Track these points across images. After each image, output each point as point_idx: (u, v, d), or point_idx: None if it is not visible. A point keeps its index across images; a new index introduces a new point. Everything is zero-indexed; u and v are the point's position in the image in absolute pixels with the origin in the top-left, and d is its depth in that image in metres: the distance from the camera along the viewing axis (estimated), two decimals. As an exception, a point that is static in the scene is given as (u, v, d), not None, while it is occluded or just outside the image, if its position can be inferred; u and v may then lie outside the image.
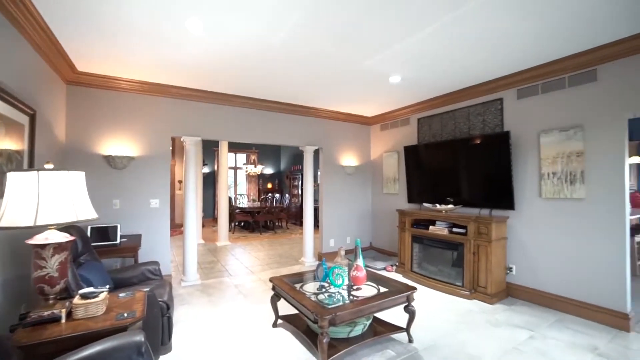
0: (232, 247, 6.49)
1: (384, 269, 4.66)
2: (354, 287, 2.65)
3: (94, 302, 1.60)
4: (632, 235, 4.48)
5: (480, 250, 3.51)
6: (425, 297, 3.64)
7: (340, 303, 2.33)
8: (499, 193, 3.63)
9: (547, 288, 3.34)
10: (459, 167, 4.06)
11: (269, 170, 11.70)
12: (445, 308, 3.33)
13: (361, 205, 5.80)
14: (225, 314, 3.17)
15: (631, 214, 5.01)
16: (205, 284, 4.10)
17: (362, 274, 2.60)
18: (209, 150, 10.23)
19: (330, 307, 2.23)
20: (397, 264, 4.62)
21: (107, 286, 1.85)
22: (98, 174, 3.58)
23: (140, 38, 2.65)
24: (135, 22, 2.40)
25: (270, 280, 2.85)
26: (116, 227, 3.28)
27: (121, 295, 1.87)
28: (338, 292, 2.59)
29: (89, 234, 3.15)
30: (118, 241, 3.24)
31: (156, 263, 2.93)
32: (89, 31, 2.53)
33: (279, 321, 2.90)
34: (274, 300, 2.83)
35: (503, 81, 3.62)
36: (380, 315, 2.85)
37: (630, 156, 5.49)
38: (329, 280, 2.66)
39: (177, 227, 8.50)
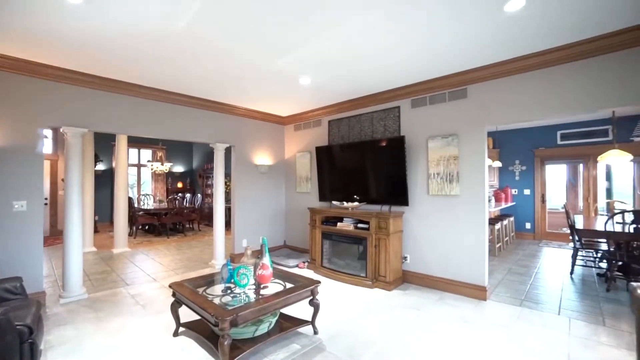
0: (132, 254, 5.78)
1: (297, 266, 4.77)
2: (261, 286, 2.65)
3: None
4: (494, 224, 5.55)
5: (381, 243, 3.89)
6: (334, 290, 3.85)
7: (245, 303, 2.29)
8: (396, 191, 4.07)
9: (433, 272, 3.89)
10: (364, 167, 4.42)
11: (179, 168, 10.77)
12: (350, 298, 3.59)
13: (275, 205, 5.81)
14: (118, 329, 2.80)
15: (495, 207, 6.20)
16: (93, 298, 3.55)
17: (268, 272, 2.61)
18: (106, 144, 8.91)
19: (231, 307, 2.18)
20: (309, 260, 4.77)
21: None
22: None
23: (-7, 2, 2.15)
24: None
25: (170, 286, 2.63)
26: (-42, 237, 2.59)
27: (-46, 322, 1.48)
28: (244, 292, 2.55)
29: None
30: (-40, 255, 2.56)
31: (18, 279, 2.41)
32: None
33: (181, 329, 2.70)
34: (175, 307, 2.62)
35: (400, 91, 4.08)
36: (289, 311, 2.91)
37: (493, 161, 6.81)
38: (234, 281, 2.59)
39: (61, 234, 7.16)
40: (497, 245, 5.65)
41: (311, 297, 2.68)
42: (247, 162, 5.32)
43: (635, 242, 3.61)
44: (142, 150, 9.95)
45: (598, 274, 4.32)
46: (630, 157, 4.14)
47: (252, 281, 2.68)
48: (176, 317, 2.63)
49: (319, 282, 2.73)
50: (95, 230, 7.76)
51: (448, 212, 3.76)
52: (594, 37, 2.71)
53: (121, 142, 6.20)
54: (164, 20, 2.41)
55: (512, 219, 6.91)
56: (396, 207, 4.16)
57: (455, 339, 2.64)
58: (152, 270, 4.75)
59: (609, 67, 2.75)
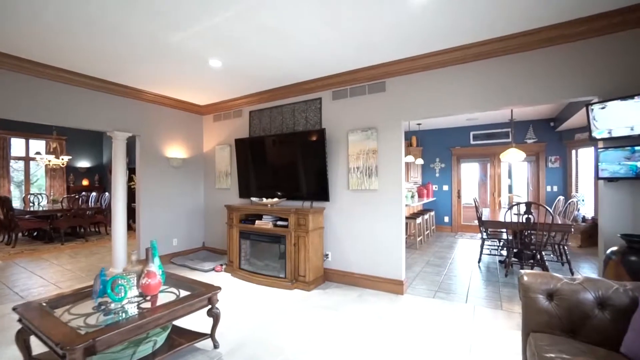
0: (2, 268, 4.66)
1: (213, 269, 4.33)
2: (147, 297, 2.21)
3: None
4: (416, 218, 5.77)
5: (300, 241, 3.68)
6: (250, 294, 3.53)
7: (112, 322, 1.84)
8: (317, 186, 3.90)
9: (353, 269, 3.81)
10: (285, 161, 4.16)
11: (84, 163, 9.25)
12: (266, 302, 3.30)
13: (192, 203, 5.24)
14: (-64, 371, 2.09)
15: (418, 202, 6.48)
16: None
17: (155, 280, 2.19)
18: (-23, 132, 7.18)
19: (93, 330, 1.72)
20: (227, 263, 4.36)
21: None
22: None
23: None
24: None
25: (14, 308, 2.03)
26: None
27: None
28: (121, 307, 2.08)
29: None
30: None
31: None
32: None
33: (35, 363, 2.11)
34: (22, 335, 2.02)
35: (321, 82, 3.91)
36: (188, 324, 2.52)
37: (416, 158, 7.16)
38: (107, 295, 2.11)
39: None
40: (419, 239, 5.91)
41: (210, 307, 2.33)
42: (156, 155, 4.67)
43: (526, 231, 3.99)
44: (31, 141, 8.28)
45: (500, 261, 4.74)
46: (524, 155, 4.60)
47: (135, 293, 2.22)
48: (24, 348, 2.03)
49: (218, 288, 2.38)
50: (-42, 239, 6.21)
51: (367, 207, 3.70)
52: (488, 39, 2.86)
53: (-11, 128, 4.97)
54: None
55: (432, 213, 7.36)
56: (318, 202, 3.99)
57: (368, 337, 2.53)
58: (26, 286, 3.85)
59: (508, 68, 2.92)
